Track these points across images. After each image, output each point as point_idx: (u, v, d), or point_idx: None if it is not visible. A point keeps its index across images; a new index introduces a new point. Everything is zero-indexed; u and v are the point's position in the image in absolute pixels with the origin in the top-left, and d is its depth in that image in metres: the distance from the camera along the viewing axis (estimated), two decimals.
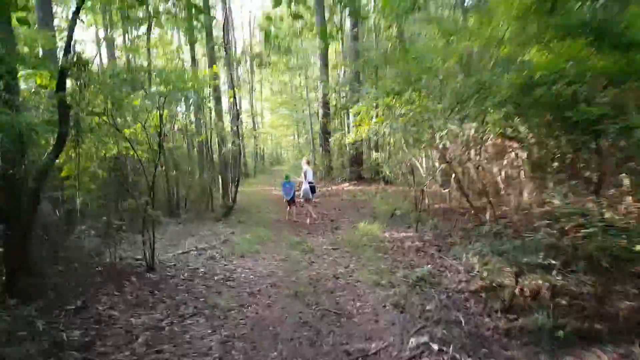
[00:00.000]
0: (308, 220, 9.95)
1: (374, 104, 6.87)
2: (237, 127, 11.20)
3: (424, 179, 8.88)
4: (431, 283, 4.96)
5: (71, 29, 4.35)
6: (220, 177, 11.82)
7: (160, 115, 5.42)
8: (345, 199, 13.61)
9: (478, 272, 4.98)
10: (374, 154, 12.99)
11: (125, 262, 5.83)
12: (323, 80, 16.22)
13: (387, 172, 9.17)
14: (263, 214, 11.66)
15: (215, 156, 13.53)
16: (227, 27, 13.47)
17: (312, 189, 10.05)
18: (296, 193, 10.50)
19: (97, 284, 4.95)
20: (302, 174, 10.28)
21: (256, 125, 32.61)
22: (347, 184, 16.88)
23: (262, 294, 4.85)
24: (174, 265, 5.87)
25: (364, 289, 4.91)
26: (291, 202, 10.37)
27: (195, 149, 12.69)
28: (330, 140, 18.90)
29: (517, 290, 4.43)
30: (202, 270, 5.72)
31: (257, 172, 27.14)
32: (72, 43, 4.49)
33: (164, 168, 11.13)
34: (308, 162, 10.85)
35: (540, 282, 4.39)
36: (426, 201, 8.87)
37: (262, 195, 16.54)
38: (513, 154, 6.60)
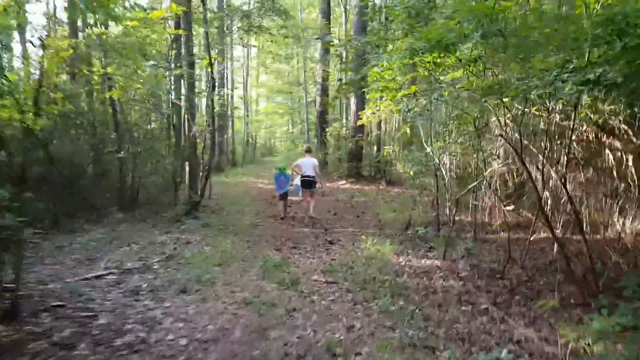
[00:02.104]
0: (311, 209, 8.36)
1: (399, 71, 4.52)
2: (212, 100, 8.76)
3: (448, 183, 6.62)
4: None
5: None
6: (188, 164, 9.39)
7: (43, 45, 3.05)
8: (341, 200, 11.34)
9: None
10: (386, 148, 10.68)
11: None
12: (325, 40, 13.54)
13: (410, 172, 6.83)
14: (240, 214, 9.28)
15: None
16: None
17: (310, 184, 8.40)
18: (290, 188, 8.92)
19: None
20: (292, 167, 8.73)
21: (249, 110, 30.15)
22: (343, 182, 14.68)
23: None
24: (62, 306, 3.50)
25: None
26: (284, 196, 8.87)
27: (168, 128, 10.20)
28: (327, 130, 16.66)
29: None
30: (103, 321, 3.34)
31: (246, 162, 24.67)
32: None
33: (117, 148, 8.84)
34: (309, 151, 9.05)
35: None
36: (455, 215, 6.59)
37: (246, 187, 14.19)
38: (611, 157, 4.33)
